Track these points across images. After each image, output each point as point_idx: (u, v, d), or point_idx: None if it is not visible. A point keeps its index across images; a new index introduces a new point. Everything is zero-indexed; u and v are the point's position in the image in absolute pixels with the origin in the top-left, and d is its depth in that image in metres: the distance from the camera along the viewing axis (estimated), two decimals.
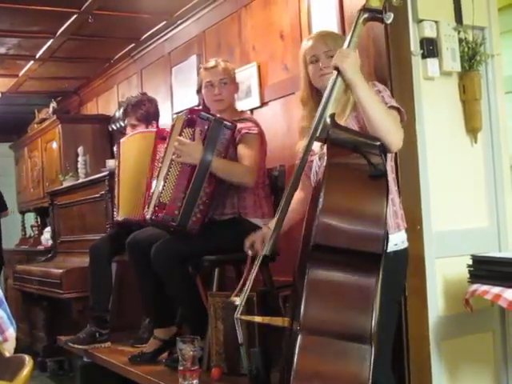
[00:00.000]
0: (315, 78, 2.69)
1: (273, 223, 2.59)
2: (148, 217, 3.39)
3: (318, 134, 2.31)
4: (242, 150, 3.38)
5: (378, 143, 2.23)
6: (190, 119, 3.36)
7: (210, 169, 3.29)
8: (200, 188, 3.30)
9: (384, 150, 2.26)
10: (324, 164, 2.31)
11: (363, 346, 1.94)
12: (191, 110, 3.46)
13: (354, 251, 2.03)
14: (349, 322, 2.00)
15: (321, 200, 2.06)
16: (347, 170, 2.19)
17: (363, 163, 2.13)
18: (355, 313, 2.01)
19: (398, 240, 2.58)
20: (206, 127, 3.33)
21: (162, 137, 3.95)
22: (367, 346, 1.94)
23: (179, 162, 3.32)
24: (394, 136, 2.39)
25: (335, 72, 2.39)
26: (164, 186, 3.34)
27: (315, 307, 2.02)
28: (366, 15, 2.44)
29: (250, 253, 2.70)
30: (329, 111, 2.34)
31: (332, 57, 2.53)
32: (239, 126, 3.44)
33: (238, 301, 2.38)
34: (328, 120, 2.31)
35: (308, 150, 2.37)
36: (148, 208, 3.43)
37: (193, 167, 3.30)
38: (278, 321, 2.20)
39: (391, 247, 2.53)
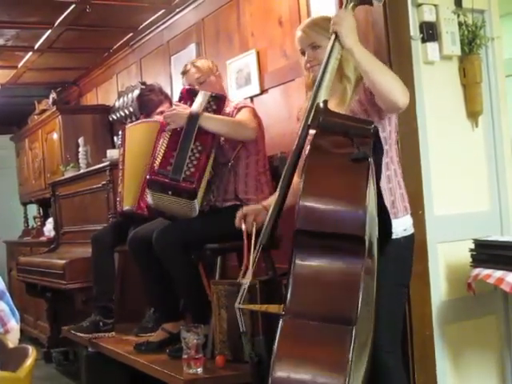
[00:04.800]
0: (305, 70, 2.71)
1: (269, 203, 2.60)
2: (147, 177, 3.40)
3: (309, 122, 2.30)
4: (237, 116, 3.48)
5: (371, 126, 2.22)
6: (180, 95, 3.56)
7: (198, 122, 3.32)
8: (189, 141, 3.32)
9: (377, 133, 2.25)
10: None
11: (346, 327, 1.93)
12: (182, 88, 3.63)
13: (336, 234, 2.03)
14: (332, 305, 1.99)
15: (301, 185, 2.06)
16: (329, 155, 2.17)
17: (348, 147, 2.12)
18: (339, 296, 2.00)
19: (406, 225, 2.61)
20: (195, 98, 3.45)
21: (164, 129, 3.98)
22: (350, 328, 1.93)
23: (171, 128, 3.38)
24: (398, 92, 2.36)
25: (333, 36, 2.38)
26: (157, 154, 3.38)
27: (299, 292, 2.02)
28: (353, 1, 2.43)
29: (243, 227, 2.68)
30: (321, 96, 2.32)
31: (318, 47, 2.59)
32: (233, 104, 3.57)
33: (246, 282, 2.37)
34: (321, 105, 2.30)
35: (301, 138, 2.35)
36: None
37: (182, 128, 3.35)
38: (274, 308, 2.20)
39: (401, 232, 2.56)
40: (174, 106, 3.50)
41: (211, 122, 3.36)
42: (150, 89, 4.39)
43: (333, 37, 2.38)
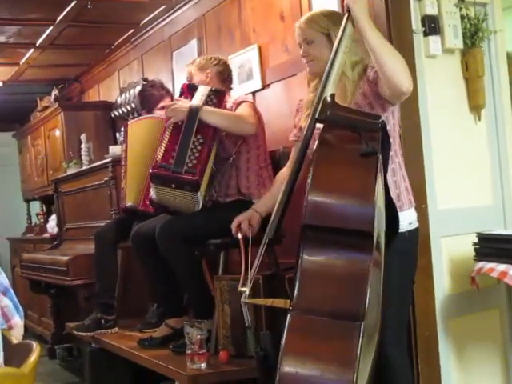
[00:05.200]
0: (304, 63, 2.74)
1: (260, 205, 2.74)
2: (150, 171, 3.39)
3: (317, 116, 2.29)
4: (237, 110, 3.48)
5: (379, 121, 2.21)
6: (180, 90, 3.58)
7: (199, 115, 3.32)
8: (190, 134, 3.31)
9: (385, 127, 2.24)
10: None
11: (354, 323, 1.93)
12: (183, 84, 3.65)
13: (343, 230, 2.02)
14: (340, 301, 1.99)
15: (309, 180, 2.05)
16: (337, 149, 2.16)
17: (356, 142, 2.10)
18: (347, 292, 1.99)
19: (412, 218, 2.62)
20: (195, 92, 3.47)
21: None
22: (358, 324, 1.93)
23: (173, 122, 3.38)
24: (402, 75, 2.35)
25: (346, 14, 2.37)
26: (160, 149, 3.37)
27: (307, 287, 2.01)
28: None
29: (239, 236, 2.73)
30: (329, 90, 2.31)
31: (312, 42, 2.63)
32: (234, 98, 3.59)
33: (247, 291, 2.38)
34: (328, 99, 2.29)
35: (308, 132, 2.34)
36: None
37: (183, 122, 3.36)
38: (280, 303, 2.21)
39: (406, 226, 2.56)
40: (174, 101, 3.50)
41: (211, 116, 3.36)
42: (151, 84, 4.40)
43: (346, 15, 2.36)
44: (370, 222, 1.99)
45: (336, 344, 1.94)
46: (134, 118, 5.19)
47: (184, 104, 3.38)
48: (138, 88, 5.29)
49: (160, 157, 3.32)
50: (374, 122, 2.19)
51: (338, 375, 1.89)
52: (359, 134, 2.10)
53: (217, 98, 3.47)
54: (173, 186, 3.30)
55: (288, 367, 1.91)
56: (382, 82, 2.42)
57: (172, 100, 4.34)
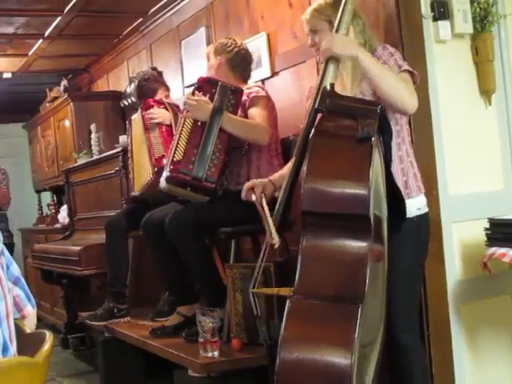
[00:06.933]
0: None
1: (276, 178, 2.74)
2: (165, 175, 3.38)
3: (316, 106, 2.29)
4: (252, 111, 3.46)
5: (378, 107, 2.22)
6: (198, 83, 3.56)
7: (220, 122, 3.32)
8: (211, 140, 3.32)
9: (383, 114, 2.25)
10: None
11: (353, 306, 1.95)
12: (200, 77, 3.62)
13: (341, 215, 2.04)
14: (339, 285, 2.02)
15: (305, 168, 2.07)
16: (333, 137, 2.20)
17: (352, 128, 2.12)
18: (346, 274, 2.02)
19: (420, 204, 2.64)
20: (214, 90, 3.44)
21: (147, 107, 4.05)
22: (356, 307, 1.95)
23: (190, 117, 3.39)
24: (407, 99, 2.41)
25: (325, 61, 2.40)
26: (177, 145, 3.37)
27: (306, 272, 2.04)
28: None
29: (253, 197, 2.73)
30: (328, 79, 2.33)
31: (317, 31, 2.67)
32: (247, 91, 3.53)
33: (276, 239, 2.38)
34: (328, 88, 2.30)
35: (308, 123, 2.35)
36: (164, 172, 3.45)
37: (203, 125, 3.35)
38: (286, 291, 2.22)
39: (415, 212, 2.59)
40: (194, 97, 3.45)
41: (230, 124, 3.37)
42: (144, 78, 4.41)
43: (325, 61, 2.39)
44: (366, 206, 2.02)
45: (334, 327, 1.97)
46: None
47: (206, 104, 3.38)
48: (133, 85, 5.30)
49: (178, 159, 3.31)
50: (372, 109, 2.21)
51: (338, 358, 1.91)
52: (356, 121, 2.12)
53: (235, 98, 3.45)
54: (188, 189, 3.35)
55: (288, 352, 1.93)
56: (387, 105, 2.45)
57: (167, 89, 4.37)
